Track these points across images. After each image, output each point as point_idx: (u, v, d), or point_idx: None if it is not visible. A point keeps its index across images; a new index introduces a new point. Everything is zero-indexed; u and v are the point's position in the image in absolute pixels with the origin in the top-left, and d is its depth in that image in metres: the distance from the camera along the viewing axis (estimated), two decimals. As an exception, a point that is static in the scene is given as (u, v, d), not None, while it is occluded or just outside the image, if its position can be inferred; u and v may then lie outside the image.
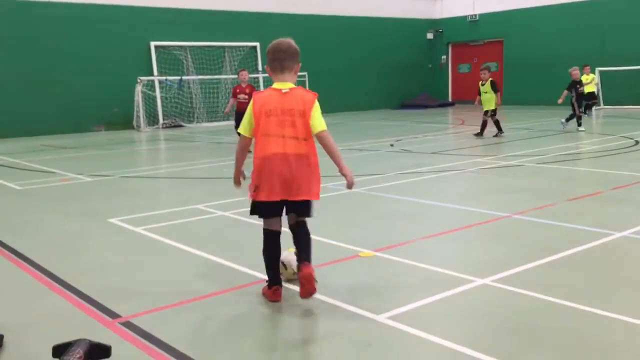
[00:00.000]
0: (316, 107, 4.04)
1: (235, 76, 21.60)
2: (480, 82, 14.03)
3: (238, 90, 12.46)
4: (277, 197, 3.97)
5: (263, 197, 4.01)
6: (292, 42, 4.28)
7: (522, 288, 4.14)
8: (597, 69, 20.62)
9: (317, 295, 4.04)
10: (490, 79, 13.91)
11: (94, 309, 4.07)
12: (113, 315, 3.94)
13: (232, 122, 20.83)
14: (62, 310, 4.12)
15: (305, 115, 3.96)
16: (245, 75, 12.59)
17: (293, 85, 4.11)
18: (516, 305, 3.91)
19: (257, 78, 22.44)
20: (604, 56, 21.47)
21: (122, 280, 4.72)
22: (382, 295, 4.15)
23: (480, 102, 14.02)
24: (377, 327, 3.64)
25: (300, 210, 4.07)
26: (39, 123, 18.35)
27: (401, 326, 3.61)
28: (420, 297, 4.04)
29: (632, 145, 11.40)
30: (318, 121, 3.99)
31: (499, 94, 13.92)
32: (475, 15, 26.62)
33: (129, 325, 3.78)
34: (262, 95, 4.12)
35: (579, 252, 4.95)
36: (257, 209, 4.13)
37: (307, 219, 4.16)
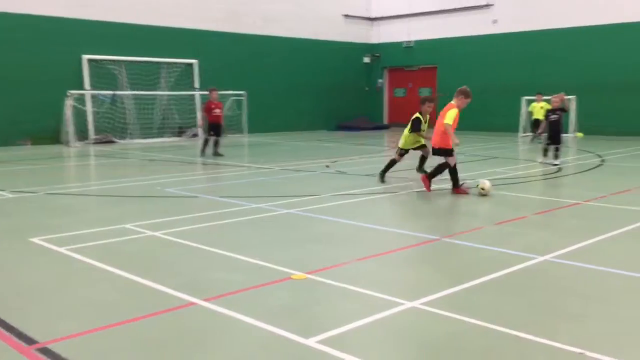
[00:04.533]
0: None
1: (171, 92, 21.41)
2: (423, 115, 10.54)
3: (213, 106, 15.23)
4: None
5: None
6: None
7: (449, 311, 4.21)
8: (524, 98, 21.56)
9: (246, 318, 4.03)
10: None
11: (8, 334, 3.85)
12: (29, 341, 3.74)
13: (164, 140, 20.74)
14: (-27, 335, 3.87)
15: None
16: (217, 94, 15.55)
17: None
18: (443, 328, 3.97)
19: (193, 95, 22.20)
20: (533, 85, 22.46)
21: (40, 304, 4.50)
22: (312, 319, 4.13)
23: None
24: (305, 351, 3.60)
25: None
26: (-41, 135, 17.44)
27: (330, 350, 3.58)
28: (350, 321, 4.04)
29: (556, 172, 11.92)
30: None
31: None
32: (411, 41, 27.37)
33: (46, 351, 3.59)
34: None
35: (504, 275, 5.10)
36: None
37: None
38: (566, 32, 22.44)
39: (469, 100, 9.40)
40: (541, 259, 5.57)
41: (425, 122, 10.61)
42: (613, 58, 21.32)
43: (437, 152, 9.41)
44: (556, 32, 22.69)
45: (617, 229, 6.82)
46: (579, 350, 3.57)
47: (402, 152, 10.87)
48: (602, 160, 13.84)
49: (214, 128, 15.25)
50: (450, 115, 9.11)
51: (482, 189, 8.94)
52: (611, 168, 12.62)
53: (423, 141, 10.69)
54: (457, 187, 9.27)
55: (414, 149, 10.83)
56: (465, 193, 9.13)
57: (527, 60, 23.47)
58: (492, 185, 9.09)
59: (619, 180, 10.85)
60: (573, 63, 22.19)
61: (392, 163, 10.81)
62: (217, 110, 15.25)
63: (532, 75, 23.14)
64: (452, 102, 9.37)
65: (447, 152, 9.28)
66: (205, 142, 15.30)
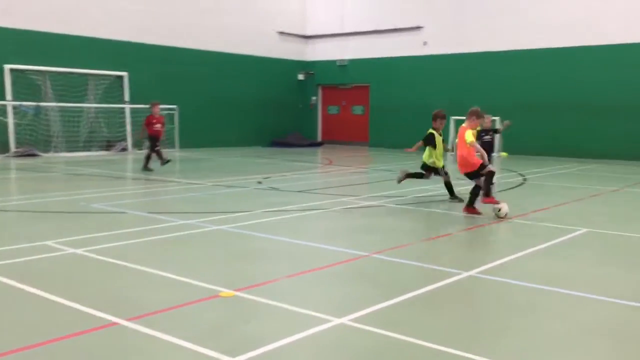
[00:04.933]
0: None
1: (99, 105, 20.79)
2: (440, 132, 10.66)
3: (154, 121, 15.07)
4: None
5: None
6: None
7: (377, 327, 4.25)
8: (453, 118, 22.26)
9: (170, 338, 3.92)
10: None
11: None
12: None
13: (91, 153, 20.07)
14: None
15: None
16: (158, 109, 15.37)
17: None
18: (370, 344, 4.00)
19: (123, 109, 21.66)
20: (462, 106, 23.19)
21: (-52, 326, 4.22)
22: (239, 337, 4.07)
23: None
24: (231, 371, 3.54)
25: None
26: None
27: (256, 369, 3.54)
28: (277, 339, 4.01)
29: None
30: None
31: None
32: (344, 60, 27.79)
33: (-49, 377, 3.36)
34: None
35: (430, 290, 5.20)
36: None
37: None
38: (492, 55, 23.38)
39: (480, 120, 9.51)
40: (466, 274, 5.72)
41: (440, 136, 10.54)
42: (535, 81, 22.37)
43: (469, 176, 9.33)
44: (482, 55, 23.60)
45: (537, 245, 7.11)
46: (499, 364, 3.68)
47: (427, 168, 10.58)
48: (525, 179, 14.44)
49: (153, 141, 14.98)
50: (469, 135, 9.02)
51: (499, 210, 8.79)
52: (533, 187, 13.18)
53: (440, 162, 10.45)
54: (488, 197, 9.25)
55: (434, 171, 10.53)
56: (496, 203, 8.96)
57: (455, 81, 24.27)
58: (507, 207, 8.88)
59: (539, 198, 11.33)
60: (498, 85, 23.12)
61: (419, 176, 10.71)
62: (158, 125, 15.09)
63: (460, 96, 23.93)
64: (464, 124, 9.35)
65: (477, 173, 9.16)
66: (158, 153, 14.91)
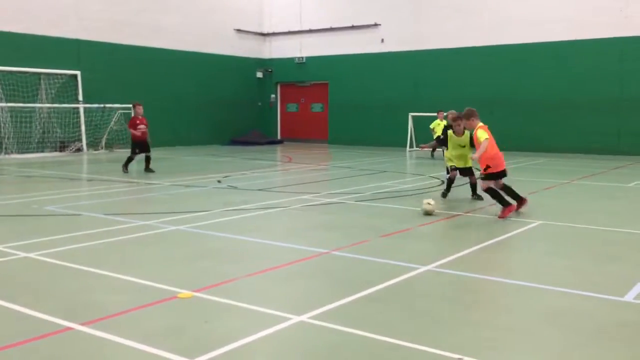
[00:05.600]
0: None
1: (52, 105, 20.25)
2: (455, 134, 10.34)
3: (138, 122, 14.56)
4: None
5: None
6: None
7: (336, 323, 4.26)
8: (410, 114, 22.51)
9: (128, 342, 3.86)
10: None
11: None
12: None
13: (45, 155, 19.54)
14: None
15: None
16: (141, 109, 14.79)
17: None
18: (330, 341, 4.01)
19: (78, 109, 21.16)
20: (417, 102, 23.54)
21: None
22: (198, 338, 4.03)
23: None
24: (190, 373, 3.50)
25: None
26: None
27: (216, 370, 3.51)
28: (237, 338, 3.98)
29: (439, 185, 12.48)
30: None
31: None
32: (302, 57, 27.78)
33: None
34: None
35: (389, 286, 5.24)
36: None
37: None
38: (448, 52, 23.69)
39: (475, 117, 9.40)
40: (424, 269, 5.79)
41: (461, 135, 10.25)
42: (491, 77, 22.77)
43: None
44: (439, 52, 23.90)
45: (493, 238, 7.25)
46: (457, 356, 3.74)
47: (453, 168, 10.37)
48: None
49: (140, 145, 14.47)
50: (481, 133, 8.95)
51: (427, 208, 8.67)
52: (489, 181, 13.40)
53: (469, 162, 10.20)
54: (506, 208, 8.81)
55: (462, 172, 10.33)
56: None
57: (412, 78, 24.53)
58: (430, 204, 8.75)
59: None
60: (454, 81, 23.45)
61: (449, 182, 10.53)
62: (142, 126, 14.55)
63: (417, 93, 24.23)
64: (462, 127, 9.99)
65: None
66: (129, 160, 14.51)
